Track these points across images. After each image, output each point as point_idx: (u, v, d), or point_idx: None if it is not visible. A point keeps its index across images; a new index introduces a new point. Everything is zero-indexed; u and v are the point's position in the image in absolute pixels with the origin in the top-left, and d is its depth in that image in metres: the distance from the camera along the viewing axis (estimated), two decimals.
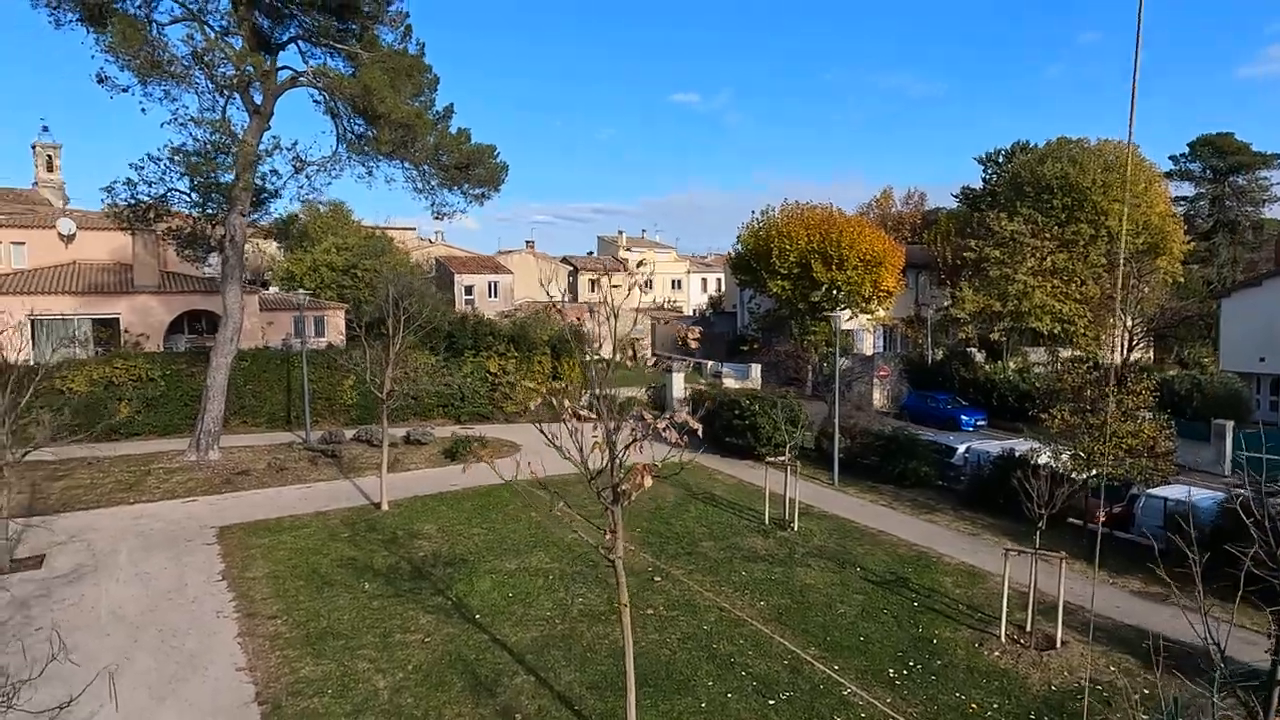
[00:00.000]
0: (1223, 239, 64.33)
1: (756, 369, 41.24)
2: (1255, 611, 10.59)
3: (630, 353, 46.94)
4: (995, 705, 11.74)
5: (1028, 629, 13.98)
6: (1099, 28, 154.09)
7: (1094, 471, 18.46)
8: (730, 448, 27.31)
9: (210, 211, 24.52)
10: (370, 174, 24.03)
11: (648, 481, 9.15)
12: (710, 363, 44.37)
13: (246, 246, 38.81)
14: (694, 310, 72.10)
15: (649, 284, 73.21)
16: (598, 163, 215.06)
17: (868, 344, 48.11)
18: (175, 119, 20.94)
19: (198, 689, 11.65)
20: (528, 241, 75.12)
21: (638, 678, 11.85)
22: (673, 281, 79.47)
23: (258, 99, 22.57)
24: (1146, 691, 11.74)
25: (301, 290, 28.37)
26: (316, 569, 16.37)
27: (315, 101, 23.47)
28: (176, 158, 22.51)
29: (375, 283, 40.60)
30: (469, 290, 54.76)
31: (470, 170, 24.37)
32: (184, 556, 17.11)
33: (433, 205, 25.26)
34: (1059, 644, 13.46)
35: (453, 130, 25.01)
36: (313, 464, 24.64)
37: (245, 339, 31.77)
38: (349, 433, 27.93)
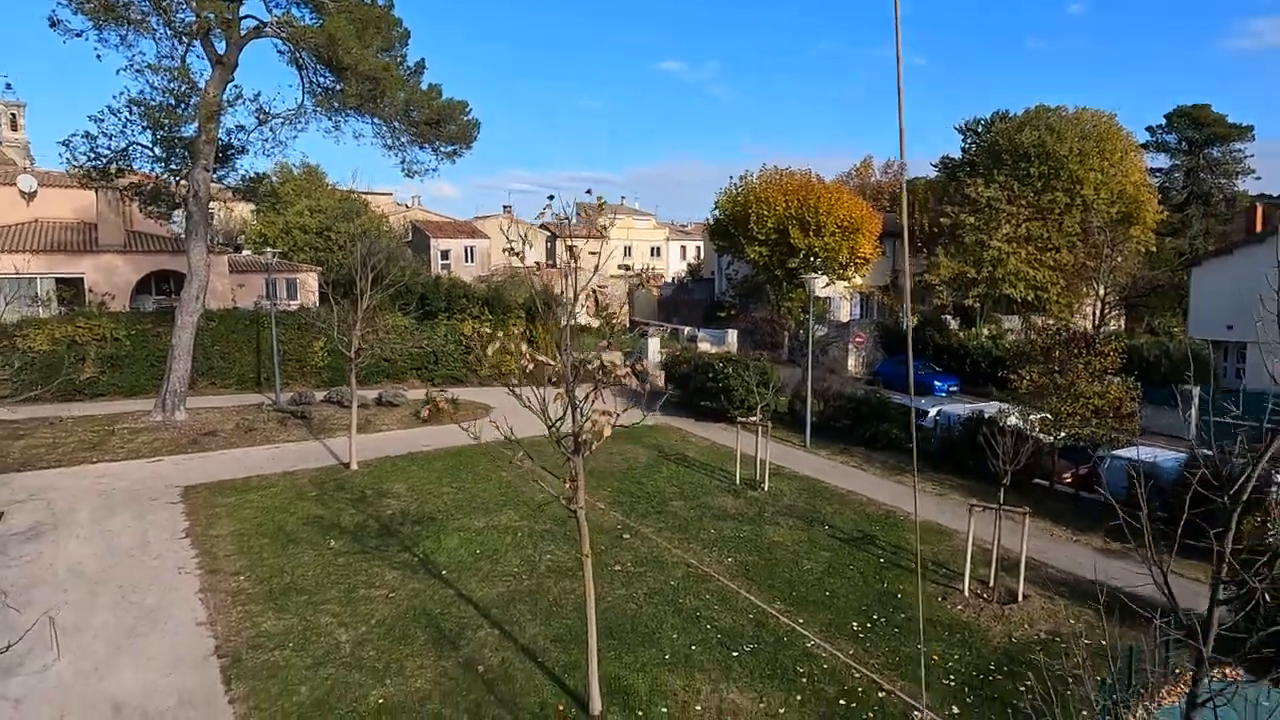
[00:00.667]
0: (1195, 210, 64.71)
1: (733, 334, 41.22)
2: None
3: (594, 304, 46.61)
4: (957, 656, 11.89)
5: (991, 584, 14.16)
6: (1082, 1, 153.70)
7: (1061, 433, 18.67)
8: (704, 411, 27.34)
9: (174, 166, 23.92)
10: (338, 128, 23.48)
11: (607, 431, 9.07)
12: (687, 328, 44.27)
13: (218, 208, 38.01)
14: (673, 278, 71.79)
15: (628, 251, 72.70)
16: (582, 131, 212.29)
17: (844, 311, 48.20)
18: (132, 65, 20.26)
19: (156, 642, 11.53)
20: (505, 206, 74.24)
21: (603, 631, 11.89)
22: (652, 249, 79.00)
23: (220, 49, 21.88)
24: (1105, 642, 11.92)
25: (270, 249, 27.80)
26: (282, 527, 16.21)
27: (280, 52, 22.82)
28: (136, 109, 21.88)
29: (349, 245, 39.98)
30: (445, 255, 54.15)
31: (441, 127, 23.86)
32: (147, 515, 16.88)
33: (403, 163, 24.79)
34: (1021, 598, 13.65)
35: (423, 87, 24.47)
36: (282, 425, 24.35)
37: (215, 301, 31.23)
38: (319, 395, 27.61)
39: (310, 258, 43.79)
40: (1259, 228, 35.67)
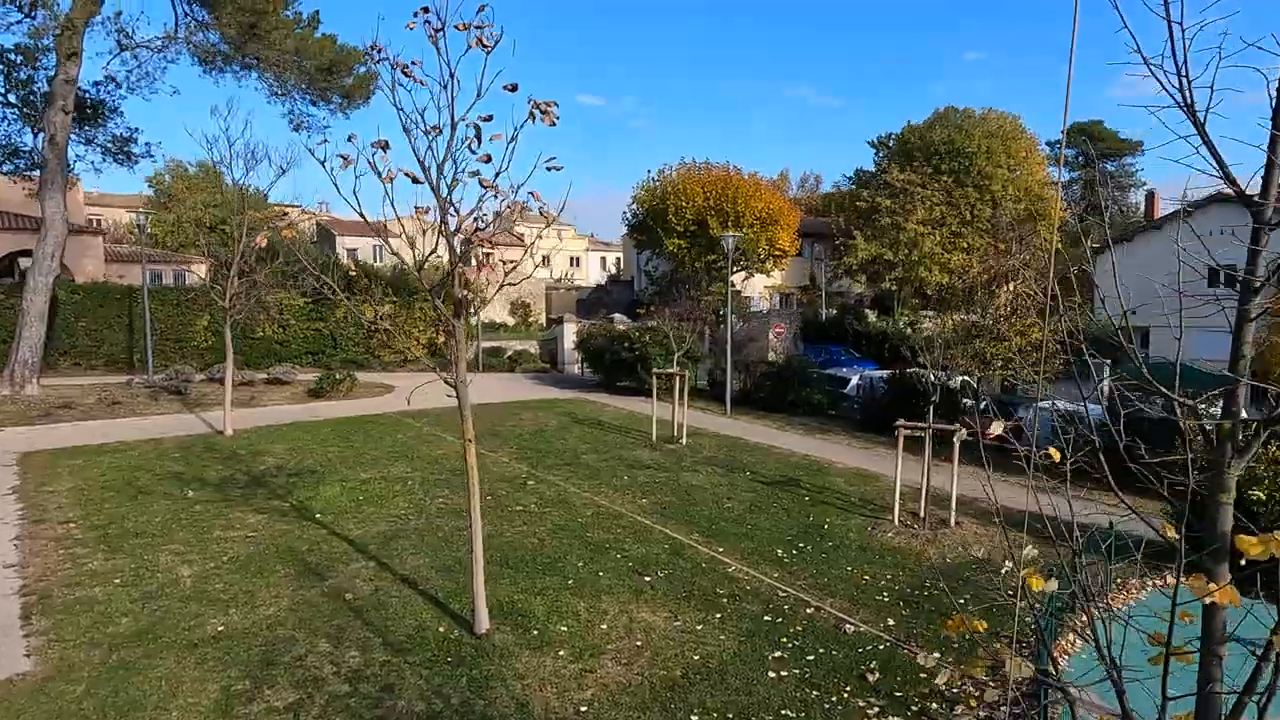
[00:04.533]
0: (1094, 221, 67.54)
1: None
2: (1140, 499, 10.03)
3: (523, 314, 45.26)
4: (889, 576, 10.84)
5: (921, 514, 13.26)
6: (982, 48, 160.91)
7: (985, 376, 18.11)
8: (621, 389, 26.20)
9: (30, 114, 21.54)
10: (216, 68, 21.35)
11: (498, 274, 7.77)
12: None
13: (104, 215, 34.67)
14: (593, 285, 70.72)
15: (546, 259, 71.34)
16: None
17: (765, 308, 47.88)
18: None
19: None
20: (417, 207, 71.91)
21: (498, 561, 10.45)
22: (571, 259, 77.88)
23: None
24: (1043, 561, 11.10)
25: (141, 211, 25.29)
26: (133, 482, 14.13)
27: None
28: None
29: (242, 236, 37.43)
30: (352, 253, 51.71)
31: (334, 76, 22.12)
32: None
33: (290, 114, 22.85)
34: (953, 524, 12.79)
35: (316, 37, 22.75)
36: (153, 399, 21.94)
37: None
38: (199, 375, 25.17)
39: (203, 252, 40.97)
40: (1155, 215, 36.91)
